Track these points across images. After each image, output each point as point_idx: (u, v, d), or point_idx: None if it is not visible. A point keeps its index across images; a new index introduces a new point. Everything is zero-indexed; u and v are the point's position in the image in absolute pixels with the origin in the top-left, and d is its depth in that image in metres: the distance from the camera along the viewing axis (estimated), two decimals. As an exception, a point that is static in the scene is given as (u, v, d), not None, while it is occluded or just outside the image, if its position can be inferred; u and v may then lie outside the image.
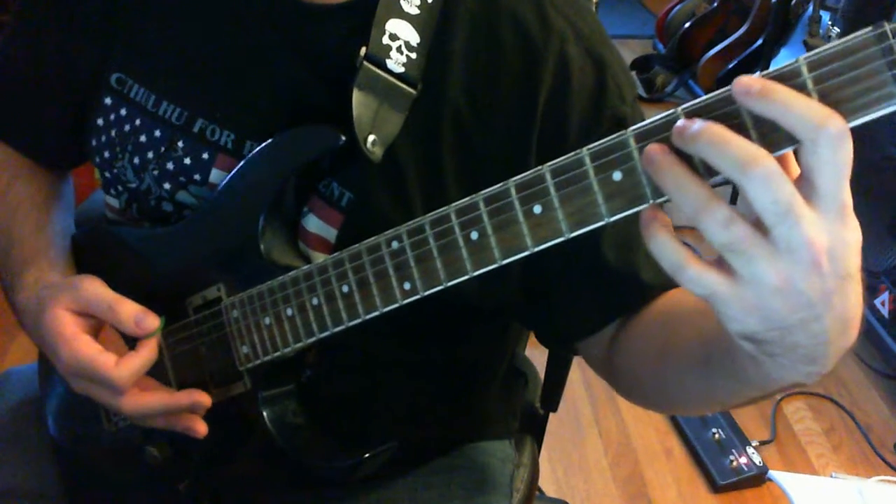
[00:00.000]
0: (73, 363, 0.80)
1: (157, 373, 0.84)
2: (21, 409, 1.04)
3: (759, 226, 0.50)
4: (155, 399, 0.81)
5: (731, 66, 3.41)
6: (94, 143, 0.90)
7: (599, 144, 0.57)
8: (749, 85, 0.50)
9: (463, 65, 0.79)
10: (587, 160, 0.57)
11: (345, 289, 0.72)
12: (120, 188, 0.90)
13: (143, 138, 0.86)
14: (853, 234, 0.51)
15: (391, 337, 0.81)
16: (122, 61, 0.87)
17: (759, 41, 3.35)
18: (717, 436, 2.04)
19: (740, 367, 0.60)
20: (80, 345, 0.79)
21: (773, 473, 1.96)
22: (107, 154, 0.89)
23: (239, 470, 0.90)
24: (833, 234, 0.50)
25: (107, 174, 0.90)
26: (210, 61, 0.85)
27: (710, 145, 0.50)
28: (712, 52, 3.51)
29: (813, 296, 0.51)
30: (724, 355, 0.62)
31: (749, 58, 3.38)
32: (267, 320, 0.79)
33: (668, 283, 0.80)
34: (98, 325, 0.83)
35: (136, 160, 0.87)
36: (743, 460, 1.98)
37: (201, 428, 0.83)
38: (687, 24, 3.74)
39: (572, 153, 0.58)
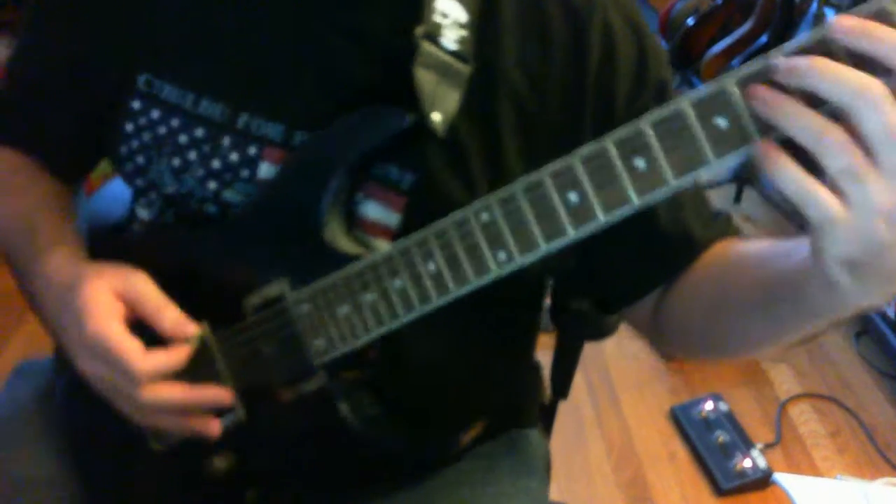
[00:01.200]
0: (95, 340, 0.76)
1: (208, 381, 0.82)
2: (39, 402, 1.02)
3: (867, 152, 0.54)
4: (176, 391, 0.78)
5: (734, 63, 3.39)
6: (123, 150, 0.86)
7: (699, 92, 0.59)
8: (847, 24, 0.54)
9: (513, 40, 0.80)
10: (690, 109, 0.59)
11: (431, 267, 0.72)
12: (153, 195, 0.87)
13: (183, 139, 0.84)
14: None
15: (449, 328, 0.81)
16: (149, 62, 0.84)
17: (764, 38, 3.33)
18: (721, 439, 2.02)
19: (811, 299, 0.64)
20: (110, 325, 0.76)
21: (777, 476, 1.95)
22: (140, 160, 0.86)
23: (312, 471, 0.89)
24: None
25: (138, 182, 0.87)
26: (248, 52, 0.83)
27: (822, 75, 0.54)
28: (716, 48, 3.49)
29: None
30: (793, 292, 0.66)
31: (753, 55, 3.35)
32: (345, 310, 0.77)
33: (715, 237, 0.84)
34: (133, 321, 0.80)
35: (176, 162, 0.84)
36: (747, 463, 1.96)
37: (215, 428, 0.81)
38: (690, 22, 3.72)
39: (670, 104, 0.60)
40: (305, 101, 0.81)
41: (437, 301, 0.73)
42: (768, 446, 2.05)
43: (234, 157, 0.83)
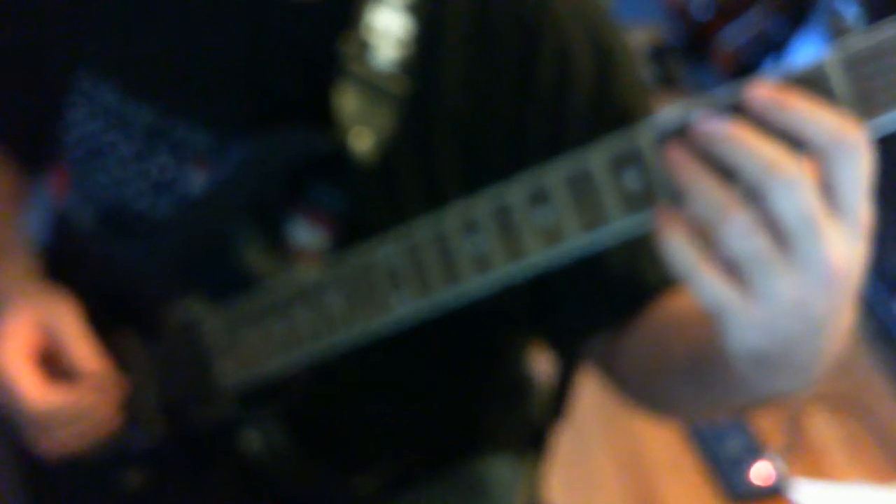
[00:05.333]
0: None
1: (131, 389, 0.83)
2: None
3: (777, 238, 0.49)
4: (59, 396, 0.80)
5: (748, 51, 3.37)
6: (68, 153, 0.86)
7: (612, 143, 0.55)
8: (762, 94, 0.48)
9: (460, 58, 0.76)
10: (599, 160, 0.55)
11: (338, 302, 0.69)
12: (94, 203, 0.86)
13: (121, 149, 0.82)
14: (864, 251, 0.51)
15: (386, 353, 0.78)
16: (94, 62, 0.83)
17: (777, 27, 3.30)
18: (732, 446, 1.98)
19: (728, 380, 0.60)
20: (15, 357, 0.79)
21: (791, 484, 1.90)
22: (79, 168, 0.85)
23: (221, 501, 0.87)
24: (850, 251, 0.49)
25: (80, 187, 0.87)
26: (186, 60, 0.81)
27: (733, 146, 0.48)
28: (728, 38, 3.47)
29: (822, 312, 0.51)
30: (712, 369, 0.62)
31: (767, 44, 3.33)
32: (252, 335, 0.75)
33: (670, 284, 0.79)
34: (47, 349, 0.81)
35: (113, 172, 0.83)
36: (760, 471, 1.92)
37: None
38: (703, 12, 3.71)
39: (582, 152, 0.56)
40: (238, 113, 0.79)
41: (339, 336, 0.70)
42: (781, 453, 1.99)
43: (168, 168, 0.80)
